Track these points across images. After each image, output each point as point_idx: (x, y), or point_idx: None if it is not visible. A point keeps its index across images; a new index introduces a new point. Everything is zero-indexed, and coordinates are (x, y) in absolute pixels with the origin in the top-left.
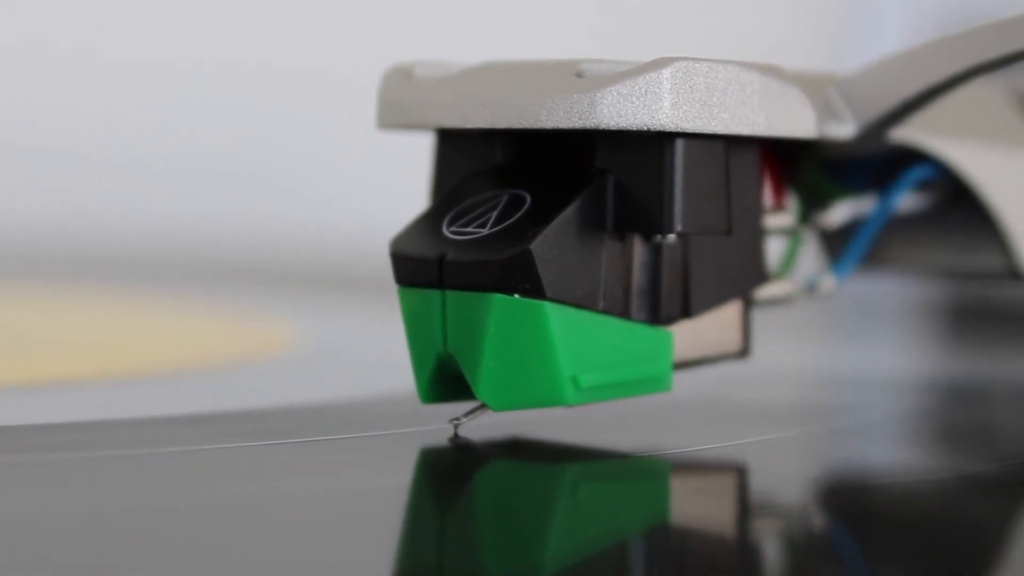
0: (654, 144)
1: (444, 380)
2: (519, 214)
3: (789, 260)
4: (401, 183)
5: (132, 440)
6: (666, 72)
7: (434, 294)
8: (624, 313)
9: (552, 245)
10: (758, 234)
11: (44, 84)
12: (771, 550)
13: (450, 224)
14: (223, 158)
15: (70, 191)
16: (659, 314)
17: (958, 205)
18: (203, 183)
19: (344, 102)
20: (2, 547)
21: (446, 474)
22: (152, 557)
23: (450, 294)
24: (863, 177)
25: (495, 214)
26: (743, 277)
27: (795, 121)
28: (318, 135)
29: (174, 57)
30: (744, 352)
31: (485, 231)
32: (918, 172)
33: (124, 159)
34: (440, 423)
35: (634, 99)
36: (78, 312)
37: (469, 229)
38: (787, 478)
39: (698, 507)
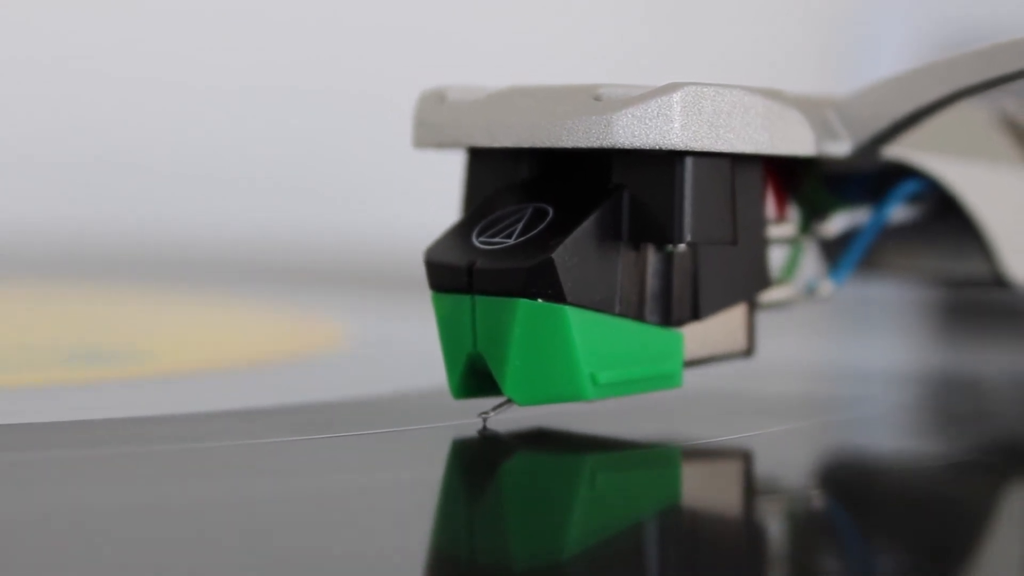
0: (666, 162)
1: (474, 377)
2: (542, 226)
3: (791, 267)
4: (435, 197)
5: (185, 435)
6: (676, 96)
7: (464, 299)
8: (639, 316)
9: (572, 254)
10: (762, 243)
11: (126, 103)
12: (776, 533)
13: (479, 235)
14: (286, 176)
15: (147, 201)
16: (671, 317)
17: (946, 216)
18: (268, 198)
19: (385, 125)
20: (69, 534)
21: (475, 464)
22: (200, 542)
23: (479, 299)
24: (858, 191)
25: (520, 226)
26: (748, 282)
27: (795, 140)
28: (363, 157)
29: (246, 85)
30: (749, 351)
31: (511, 241)
32: (909, 186)
33: (195, 176)
34: (470, 417)
35: (647, 120)
36: (139, 313)
37: (497, 239)
38: (791, 466)
39: (708, 493)
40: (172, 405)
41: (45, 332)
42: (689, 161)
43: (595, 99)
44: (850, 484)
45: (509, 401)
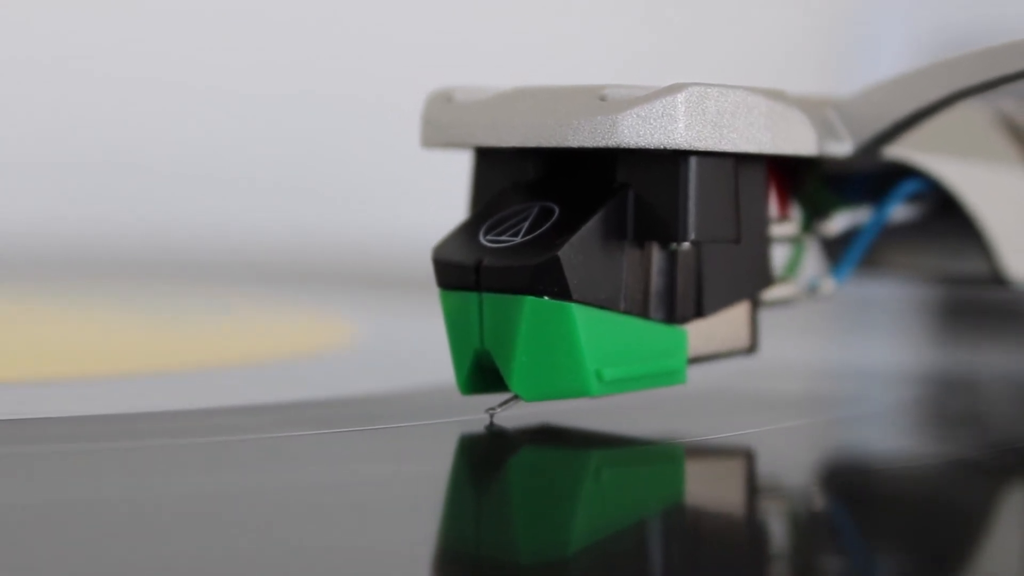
0: (670, 161)
1: (481, 374)
2: (548, 224)
3: (793, 265)
4: (436, 198)
5: (192, 429)
6: (681, 96)
7: (472, 296)
8: (643, 313)
9: (578, 252)
10: (765, 242)
11: (145, 107)
12: (777, 529)
13: (486, 233)
14: (287, 176)
15: (147, 201)
16: (675, 314)
17: (945, 215)
18: (268, 198)
19: (386, 125)
20: (78, 526)
21: (482, 459)
22: (207, 535)
23: (486, 296)
24: (860, 190)
25: (527, 224)
26: (751, 280)
27: (798, 140)
28: (364, 157)
29: (267, 92)
30: (752, 348)
31: (518, 239)
32: (909, 186)
33: (195, 176)
34: (477, 413)
35: (652, 120)
36: (139, 312)
37: (503, 238)
38: (792, 463)
39: (710, 490)
40: (178, 401)
41: (47, 331)
42: (693, 160)
43: (600, 99)
44: (850, 481)
45: (516, 397)
